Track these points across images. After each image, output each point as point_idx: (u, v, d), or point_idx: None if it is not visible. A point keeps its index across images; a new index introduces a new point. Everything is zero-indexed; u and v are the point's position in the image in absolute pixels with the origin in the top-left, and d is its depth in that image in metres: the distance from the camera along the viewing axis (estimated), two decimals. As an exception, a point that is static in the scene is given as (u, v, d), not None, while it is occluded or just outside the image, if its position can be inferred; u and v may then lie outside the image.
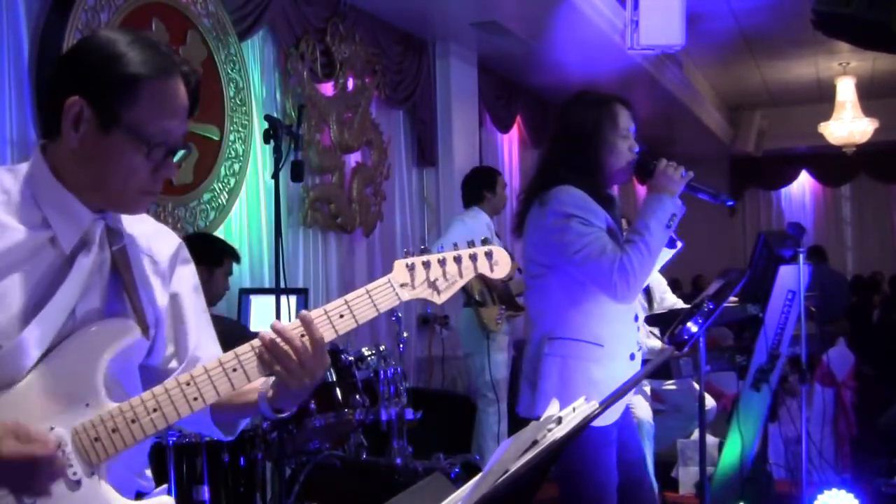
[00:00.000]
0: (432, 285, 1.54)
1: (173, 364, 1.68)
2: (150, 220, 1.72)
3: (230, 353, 1.53)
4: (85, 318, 1.52)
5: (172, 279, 1.68)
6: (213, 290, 3.75)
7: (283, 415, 1.60)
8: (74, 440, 1.45)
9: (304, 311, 1.53)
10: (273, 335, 1.52)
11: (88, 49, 1.53)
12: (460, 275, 1.55)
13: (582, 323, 2.68)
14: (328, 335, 1.53)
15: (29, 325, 1.45)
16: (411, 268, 1.54)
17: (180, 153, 1.55)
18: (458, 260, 1.56)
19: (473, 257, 1.56)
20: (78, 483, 1.44)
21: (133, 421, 1.46)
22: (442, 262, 1.55)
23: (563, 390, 2.61)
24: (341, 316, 1.52)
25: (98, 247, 1.54)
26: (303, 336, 1.51)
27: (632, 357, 2.76)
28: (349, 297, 1.53)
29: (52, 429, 1.44)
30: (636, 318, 2.82)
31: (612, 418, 2.69)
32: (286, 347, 1.50)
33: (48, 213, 1.50)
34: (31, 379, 1.46)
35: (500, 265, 1.57)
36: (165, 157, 1.52)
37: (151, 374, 1.66)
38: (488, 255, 1.56)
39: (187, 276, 1.71)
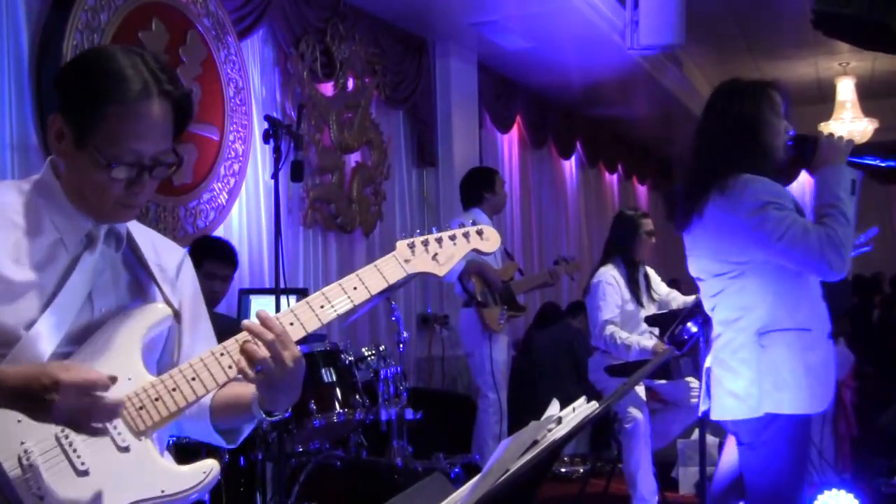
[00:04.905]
0: (434, 259, 1.71)
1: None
2: (154, 233, 1.81)
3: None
4: (106, 314, 1.62)
5: (177, 287, 1.76)
6: None
7: (274, 418, 1.65)
8: (121, 410, 1.53)
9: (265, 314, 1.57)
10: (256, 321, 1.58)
11: (72, 67, 1.62)
12: (456, 249, 1.74)
13: (791, 311, 2.65)
14: (346, 306, 1.64)
15: (43, 314, 1.54)
16: (412, 246, 1.71)
17: (159, 169, 1.59)
18: (452, 238, 1.75)
19: (466, 235, 1.75)
20: (127, 449, 1.53)
21: (174, 389, 1.57)
22: (439, 241, 1.73)
23: (788, 382, 2.60)
24: (355, 288, 1.65)
25: (104, 245, 1.63)
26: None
27: (829, 336, 2.73)
28: (360, 271, 1.67)
29: None
30: (823, 297, 2.78)
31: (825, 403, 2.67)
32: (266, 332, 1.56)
33: (54, 219, 1.61)
34: (77, 359, 1.55)
35: (490, 240, 1.77)
36: (139, 176, 1.57)
37: None
38: (479, 232, 1.77)
39: (189, 283, 1.80)
